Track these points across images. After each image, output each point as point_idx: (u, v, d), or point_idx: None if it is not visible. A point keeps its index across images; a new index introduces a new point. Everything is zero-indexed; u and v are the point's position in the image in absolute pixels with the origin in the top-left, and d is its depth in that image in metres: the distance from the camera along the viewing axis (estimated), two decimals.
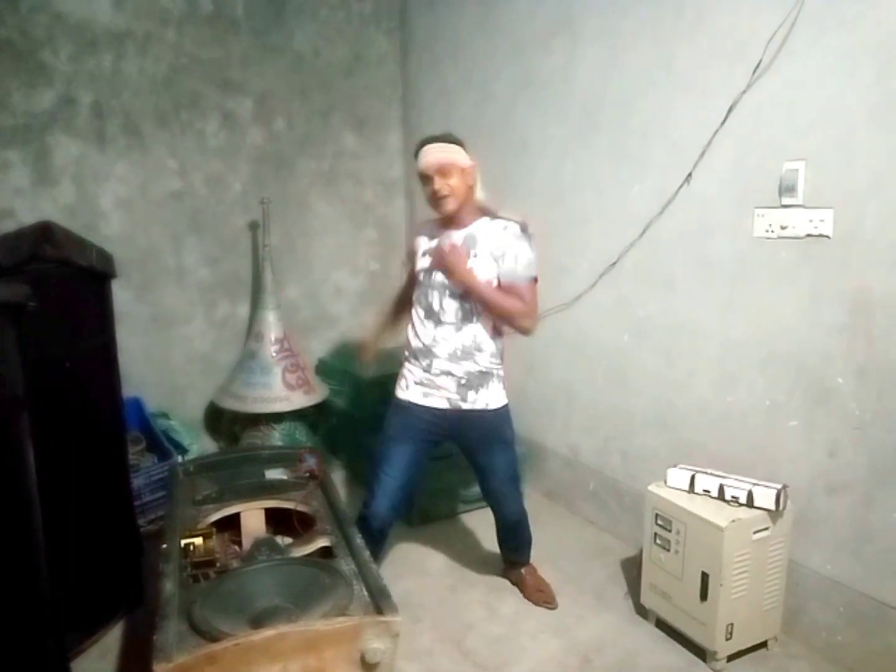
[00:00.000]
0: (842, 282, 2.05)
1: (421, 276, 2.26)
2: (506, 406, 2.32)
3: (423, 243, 2.29)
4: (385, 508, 2.29)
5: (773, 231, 2.21)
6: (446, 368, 2.22)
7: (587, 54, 2.88)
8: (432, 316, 2.23)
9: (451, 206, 2.15)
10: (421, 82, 4.08)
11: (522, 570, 2.59)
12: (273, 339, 3.65)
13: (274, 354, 3.62)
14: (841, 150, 2.01)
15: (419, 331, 2.26)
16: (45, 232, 2.04)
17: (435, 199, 2.15)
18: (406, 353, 2.33)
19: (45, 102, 3.29)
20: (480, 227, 2.19)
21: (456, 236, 2.20)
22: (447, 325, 2.21)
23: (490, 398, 2.26)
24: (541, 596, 2.51)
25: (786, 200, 2.15)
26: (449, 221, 2.22)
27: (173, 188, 3.65)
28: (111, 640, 2.31)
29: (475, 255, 2.16)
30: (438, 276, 2.20)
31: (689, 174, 2.46)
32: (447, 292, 2.19)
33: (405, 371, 2.32)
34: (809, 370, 2.16)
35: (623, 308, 2.83)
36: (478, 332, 2.22)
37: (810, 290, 2.13)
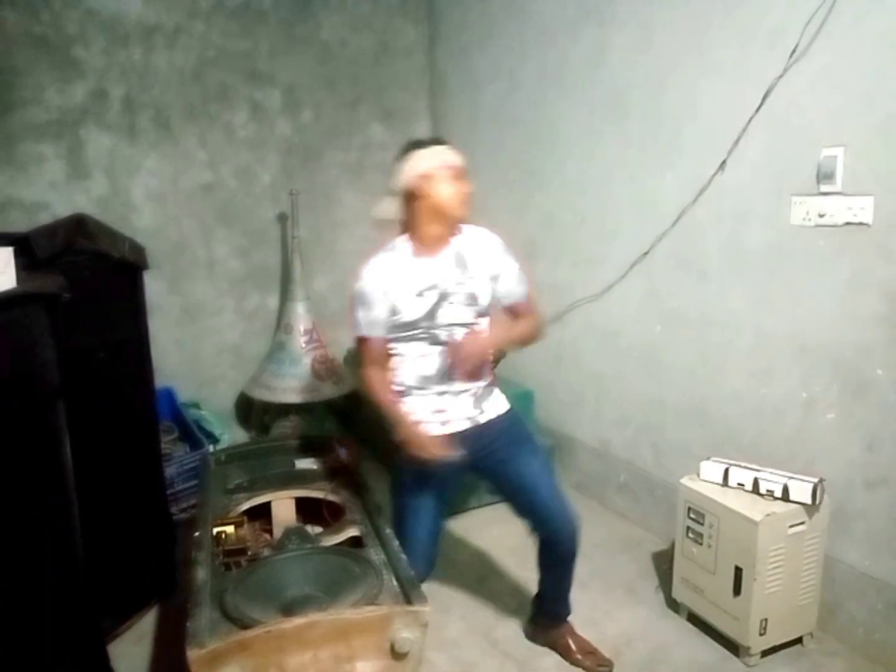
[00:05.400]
0: (882, 271, 1.99)
1: (414, 323, 1.94)
2: (513, 409, 2.11)
3: (393, 284, 1.93)
4: (422, 572, 1.97)
5: (810, 219, 2.15)
6: (465, 387, 1.99)
7: (616, 40, 2.84)
8: (442, 344, 1.96)
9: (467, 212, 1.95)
10: (449, 72, 4.05)
11: (564, 627, 2.22)
12: (302, 330, 3.67)
13: (303, 345, 3.64)
14: (881, 135, 1.95)
15: (425, 360, 1.97)
16: (78, 224, 2.07)
17: (464, 202, 1.92)
18: (400, 390, 2.00)
19: (78, 96, 3.34)
20: (464, 244, 1.98)
21: (443, 258, 1.95)
22: None
23: (498, 405, 2.08)
24: (594, 659, 2.14)
25: (824, 188, 2.10)
26: (428, 242, 1.95)
27: (203, 180, 3.68)
28: (145, 625, 2.36)
29: (470, 277, 1.95)
30: (444, 316, 1.93)
31: (724, 161, 2.41)
32: (456, 327, 1.95)
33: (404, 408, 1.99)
34: (847, 362, 2.11)
35: (655, 298, 2.79)
36: None
37: (849, 279, 2.08)
